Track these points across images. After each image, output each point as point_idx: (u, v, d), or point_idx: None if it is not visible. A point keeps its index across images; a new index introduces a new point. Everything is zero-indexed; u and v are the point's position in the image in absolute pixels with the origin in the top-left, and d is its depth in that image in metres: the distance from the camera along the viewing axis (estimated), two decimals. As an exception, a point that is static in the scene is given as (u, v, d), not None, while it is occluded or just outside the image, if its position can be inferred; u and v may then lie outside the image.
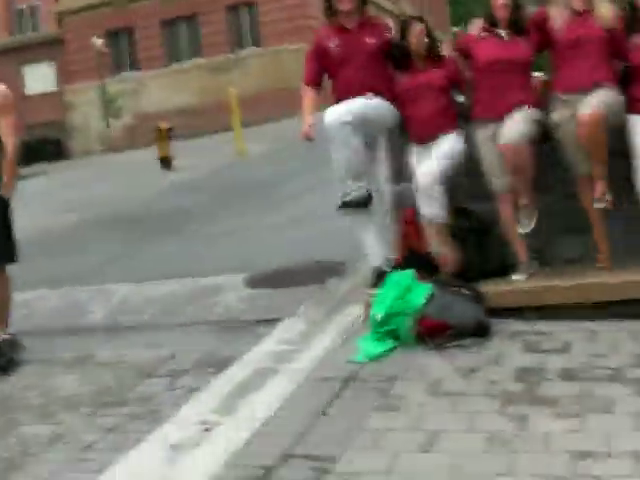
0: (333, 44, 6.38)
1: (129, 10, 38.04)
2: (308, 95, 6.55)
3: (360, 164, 6.15)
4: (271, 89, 32.84)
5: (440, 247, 6.10)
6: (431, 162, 6.04)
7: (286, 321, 6.26)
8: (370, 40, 6.33)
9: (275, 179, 14.65)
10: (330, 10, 6.48)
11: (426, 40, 6.22)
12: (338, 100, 6.30)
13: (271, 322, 6.28)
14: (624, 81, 5.91)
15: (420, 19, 6.46)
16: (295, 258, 8.02)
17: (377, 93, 6.21)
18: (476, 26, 6.25)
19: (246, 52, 35.31)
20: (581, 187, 5.97)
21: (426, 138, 6.15)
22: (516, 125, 5.83)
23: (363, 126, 6.11)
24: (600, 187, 5.77)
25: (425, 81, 6.20)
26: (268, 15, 34.56)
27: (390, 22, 6.74)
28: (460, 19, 54.35)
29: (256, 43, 35.39)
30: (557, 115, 5.92)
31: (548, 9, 6.06)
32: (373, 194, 6.20)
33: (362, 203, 6.14)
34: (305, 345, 5.68)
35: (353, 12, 6.39)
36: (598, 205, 5.83)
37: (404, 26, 6.34)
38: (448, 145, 6.09)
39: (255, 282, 7.45)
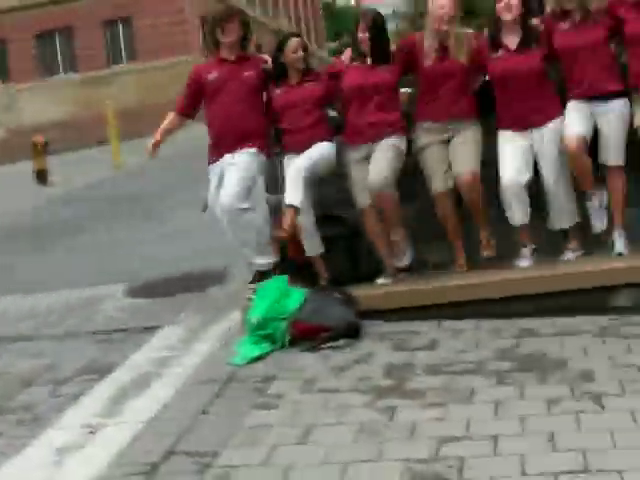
0: (211, 76, 6.61)
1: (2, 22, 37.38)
2: (170, 117, 6.82)
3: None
4: (148, 104, 32.71)
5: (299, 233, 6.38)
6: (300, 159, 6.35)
7: (166, 328, 6.46)
8: (248, 73, 6.60)
9: (152, 192, 14.75)
10: (213, 41, 6.72)
11: (301, 54, 6.52)
12: (213, 133, 6.61)
13: (152, 329, 6.47)
14: (484, 94, 6.37)
15: (296, 35, 6.78)
16: (174, 269, 8.22)
17: (250, 127, 6.49)
18: (346, 54, 6.63)
19: (122, 67, 35.13)
20: (437, 202, 6.37)
21: (300, 148, 6.43)
22: (379, 169, 6.21)
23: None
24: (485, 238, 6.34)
25: (300, 94, 6.49)
26: (144, 30, 34.46)
27: (266, 56, 6.99)
28: (336, 35, 55.31)
29: (132, 58, 35.25)
30: (420, 142, 6.38)
31: (418, 37, 6.46)
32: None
33: None
34: (185, 350, 5.89)
35: (235, 45, 6.64)
36: (487, 254, 6.34)
37: (281, 42, 6.65)
38: (318, 148, 6.40)
39: (135, 292, 7.64)
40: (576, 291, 6.03)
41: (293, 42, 6.56)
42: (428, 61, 6.35)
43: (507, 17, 6.25)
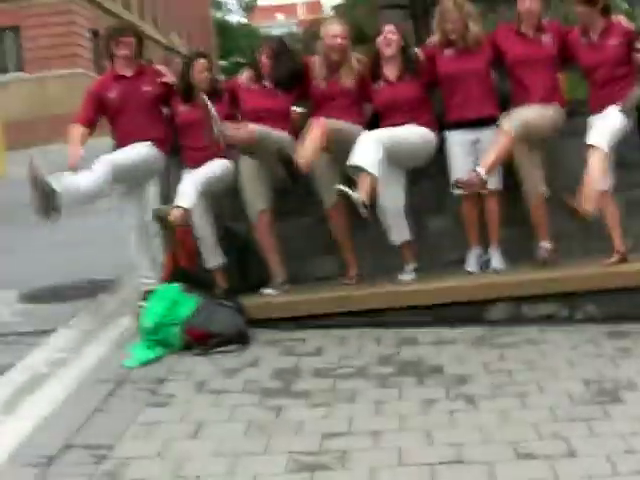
0: (111, 94, 6.80)
1: None
2: (75, 127, 6.82)
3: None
4: (35, 114, 32.34)
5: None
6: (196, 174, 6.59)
7: (60, 331, 6.59)
8: (147, 88, 6.83)
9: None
10: (108, 55, 6.92)
11: (206, 75, 6.77)
12: (118, 146, 6.76)
13: (46, 333, 6.58)
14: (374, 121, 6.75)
15: (203, 55, 7.04)
16: (67, 276, 8.33)
17: (153, 139, 6.72)
18: (245, 75, 6.91)
19: (9, 76, 34.59)
20: (331, 217, 6.71)
21: (200, 164, 6.67)
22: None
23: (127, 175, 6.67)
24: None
25: (202, 114, 6.66)
26: (33, 41, 34.03)
27: (163, 67, 7.21)
28: (228, 52, 55.49)
29: (20, 68, 34.76)
30: None
31: (313, 59, 6.80)
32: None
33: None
34: (80, 352, 6.04)
35: (130, 58, 6.84)
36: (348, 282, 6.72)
37: (188, 62, 6.89)
38: (214, 166, 6.66)
39: (28, 297, 7.75)
40: (454, 304, 6.43)
41: (199, 63, 6.80)
42: (320, 84, 6.70)
43: (387, 52, 6.68)
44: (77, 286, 7.99)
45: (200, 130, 6.56)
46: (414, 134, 6.61)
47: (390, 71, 6.72)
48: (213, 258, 6.71)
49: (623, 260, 6.41)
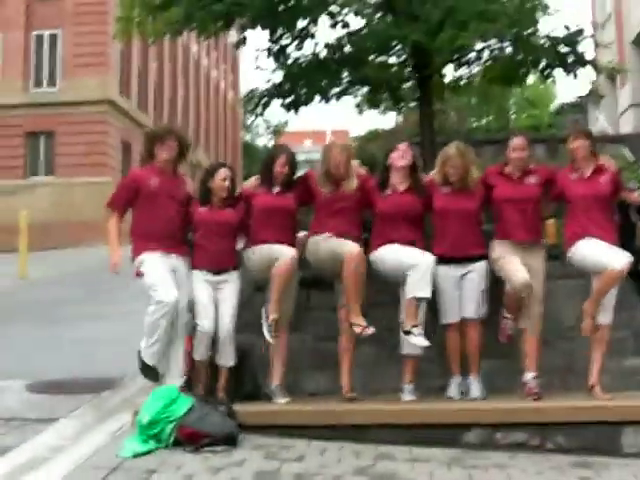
0: (152, 181, 7.27)
1: None
2: (112, 223, 7.34)
3: None
4: (60, 218, 33.11)
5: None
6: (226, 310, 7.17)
7: (63, 420, 7.04)
8: (182, 189, 7.41)
9: (57, 302, 15.20)
10: (149, 154, 7.43)
11: (227, 184, 7.33)
12: (147, 231, 7.16)
13: (49, 421, 7.03)
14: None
15: (225, 165, 7.63)
16: (73, 372, 8.77)
17: (177, 237, 7.27)
18: (252, 181, 7.51)
19: (39, 179, 35.52)
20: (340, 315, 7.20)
21: (217, 270, 7.22)
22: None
23: None
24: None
25: (220, 218, 7.29)
26: (65, 147, 35.07)
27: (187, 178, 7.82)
28: (249, 173, 56.72)
29: (50, 172, 35.69)
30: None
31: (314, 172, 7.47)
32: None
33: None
34: (79, 440, 6.49)
35: (170, 162, 7.38)
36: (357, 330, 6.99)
37: (213, 168, 7.51)
38: (236, 289, 7.27)
39: (34, 388, 8.19)
40: (433, 425, 6.85)
41: (222, 172, 7.40)
42: (322, 192, 7.31)
43: (400, 163, 7.30)
44: (81, 382, 8.43)
45: (218, 234, 7.20)
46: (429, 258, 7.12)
47: (399, 182, 7.32)
48: (202, 352, 7.14)
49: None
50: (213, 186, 7.34)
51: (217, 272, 7.23)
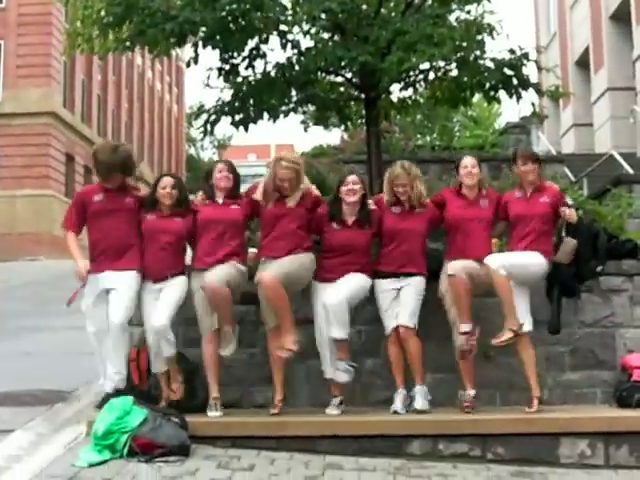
0: (97, 197, 7.49)
1: None
2: (71, 238, 7.56)
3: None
4: (1, 231, 32.90)
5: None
6: (162, 307, 7.29)
7: (18, 432, 7.14)
8: (129, 200, 7.56)
9: (3, 315, 15.15)
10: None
11: (168, 192, 7.50)
12: (95, 248, 7.44)
13: (3, 432, 7.10)
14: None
15: (172, 176, 7.84)
16: (25, 384, 8.84)
17: (131, 247, 7.43)
18: (199, 196, 7.73)
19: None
20: (269, 339, 7.40)
21: (159, 277, 7.38)
22: (219, 270, 7.23)
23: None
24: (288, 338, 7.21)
25: (165, 226, 7.45)
26: (7, 159, 34.76)
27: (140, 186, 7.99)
28: (199, 187, 56.63)
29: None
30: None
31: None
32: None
33: None
34: (35, 451, 6.63)
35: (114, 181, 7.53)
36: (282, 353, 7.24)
37: (156, 180, 7.68)
38: (176, 289, 7.38)
39: (-14, 401, 8.27)
40: (378, 436, 7.10)
41: (164, 180, 7.60)
42: (269, 206, 7.47)
43: (350, 199, 7.51)
44: (33, 394, 8.51)
45: (161, 241, 7.39)
46: (356, 284, 7.40)
47: (348, 215, 7.55)
48: (159, 365, 7.35)
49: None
50: (157, 195, 7.52)
51: (156, 280, 7.40)
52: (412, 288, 7.43)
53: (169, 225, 7.47)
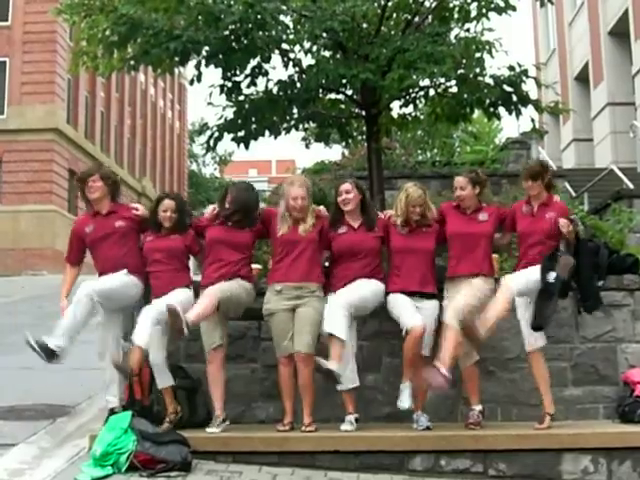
0: (88, 228, 7.59)
1: None
2: (67, 271, 7.71)
3: (75, 329, 7.23)
4: (5, 246, 32.96)
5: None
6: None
7: (21, 445, 7.19)
8: (119, 223, 7.58)
9: (4, 329, 15.18)
10: (83, 195, 7.73)
11: (169, 215, 7.55)
12: (100, 273, 7.50)
13: (6, 446, 7.15)
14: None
15: (169, 197, 7.82)
16: (28, 398, 8.87)
17: (127, 265, 7.44)
18: (209, 210, 7.76)
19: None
20: (281, 365, 7.37)
21: (161, 294, 7.37)
22: (221, 286, 7.25)
23: (108, 301, 7.32)
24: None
25: (166, 245, 7.51)
26: (11, 175, 34.90)
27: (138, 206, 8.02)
28: (200, 203, 56.78)
29: (-4, 199, 35.44)
30: (269, 306, 7.38)
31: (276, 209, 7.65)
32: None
33: (42, 353, 7.18)
34: (38, 465, 6.67)
35: (101, 200, 7.60)
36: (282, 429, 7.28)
37: (157, 201, 7.72)
38: (178, 294, 7.36)
39: (-10, 415, 8.31)
40: (379, 452, 7.11)
41: (164, 204, 7.63)
42: (282, 231, 7.49)
43: (347, 208, 7.56)
44: (36, 409, 8.55)
45: (163, 259, 7.45)
46: (368, 291, 7.38)
47: (352, 220, 7.58)
48: (164, 380, 7.33)
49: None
50: (158, 217, 7.59)
51: (157, 297, 7.41)
52: (430, 315, 7.35)
53: (167, 243, 7.54)
